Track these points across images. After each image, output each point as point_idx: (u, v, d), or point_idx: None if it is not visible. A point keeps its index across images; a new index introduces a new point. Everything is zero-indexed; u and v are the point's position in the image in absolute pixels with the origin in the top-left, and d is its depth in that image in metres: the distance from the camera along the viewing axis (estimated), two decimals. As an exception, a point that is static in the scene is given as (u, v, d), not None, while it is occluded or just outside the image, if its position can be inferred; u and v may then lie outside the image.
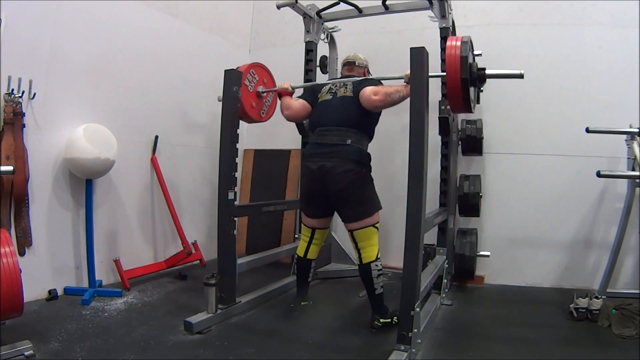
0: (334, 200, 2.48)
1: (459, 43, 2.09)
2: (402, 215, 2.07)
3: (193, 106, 3.79)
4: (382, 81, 2.54)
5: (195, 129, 3.84)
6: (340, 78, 2.76)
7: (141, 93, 3.33)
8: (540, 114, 3.41)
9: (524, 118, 3.44)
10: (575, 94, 3.33)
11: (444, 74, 2.19)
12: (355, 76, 2.68)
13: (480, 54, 3.25)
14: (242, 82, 2.71)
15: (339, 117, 2.49)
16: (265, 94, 2.97)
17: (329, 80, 2.77)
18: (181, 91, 3.67)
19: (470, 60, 2.07)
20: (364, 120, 2.49)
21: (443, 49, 2.98)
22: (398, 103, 2.37)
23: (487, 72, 2.16)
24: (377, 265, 2.40)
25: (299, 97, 2.75)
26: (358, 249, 2.43)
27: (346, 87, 2.57)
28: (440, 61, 2.98)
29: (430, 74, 2.14)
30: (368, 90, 2.42)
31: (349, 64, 2.77)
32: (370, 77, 2.61)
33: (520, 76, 2.12)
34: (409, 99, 2.11)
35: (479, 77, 2.17)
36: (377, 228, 2.46)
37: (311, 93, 2.72)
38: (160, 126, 3.46)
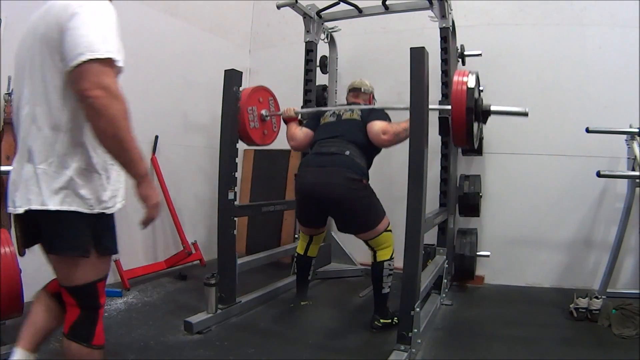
0: (333, 213, 2.47)
1: (465, 79, 2.08)
2: (402, 216, 2.07)
3: (193, 106, 3.79)
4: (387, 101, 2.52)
5: (195, 129, 3.84)
6: (345, 104, 2.74)
7: (141, 93, 3.32)
8: (540, 114, 3.40)
9: (524, 118, 3.43)
10: (575, 94, 3.33)
11: (449, 107, 2.19)
12: (361, 103, 2.68)
13: (480, 54, 3.28)
14: (245, 110, 2.72)
15: (342, 133, 2.47)
16: (268, 117, 2.95)
17: (335, 105, 2.76)
18: (181, 91, 3.67)
19: (475, 95, 2.08)
20: (366, 143, 2.45)
21: (443, 49, 2.99)
22: (404, 140, 2.29)
23: (492, 108, 2.16)
24: (389, 265, 2.41)
25: (303, 125, 2.75)
26: (373, 250, 2.45)
27: (352, 112, 2.55)
28: (440, 61, 2.99)
29: (432, 107, 2.15)
30: (377, 127, 2.41)
31: (355, 90, 2.76)
32: (377, 106, 2.57)
33: (525, 114, 2.12)
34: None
35: (483, 114, 2.17)
36: (390, 230, 2.46)
37: (314, 119, 2.72)
38: (160, 126, 3.45)
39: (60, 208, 1.22)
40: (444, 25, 2.96)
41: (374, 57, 3.88)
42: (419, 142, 2.03)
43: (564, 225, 3.35)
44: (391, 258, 2.43)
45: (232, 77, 2.57)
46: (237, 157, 2.63)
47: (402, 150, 2.19)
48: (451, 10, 3.00)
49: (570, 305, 2.67)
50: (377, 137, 2.41)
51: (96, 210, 1.28)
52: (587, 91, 3.30)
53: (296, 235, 3.50)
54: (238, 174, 2.70)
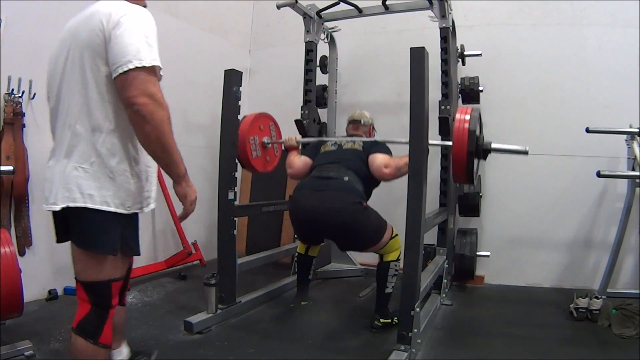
0: (336, 235, 2.45)
1: (467, 117, 2.10)
2: (402, 216, 2.07)
3: (193, 106, 3.78)
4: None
5: (196, 129, 3.84)
6: (346, 136, 2.73)
7: (141, 93, 3.32)
8: (540, 114, 3.41)
9: (524, 118, 3.45)
10: (575, 94, 3.33)
11: (450, 143, 2.20)
12: (361, 135, 2.68)
13: (480, 54, 3.28)
14: (247, 140, 2.72)
15: (343, 160, 2.45)
16: (270, 145, 2.94)
17: (336, 137, 2.76)
18: (181, 91, 3.66)
19: (477, 132, 2.11)
20: (367, 174, 2.43)
21: (443, 49, 2.99)
22: (405, 175, 2.26)
23: (493, 146, 2.18)
24: (396, 265, 2.41)
25: (302, 153, 2.73)
26: (380, 254, 2.45)
27: (354, 143, 2.55)
28: (440, 61, 2.99)
29: (433, 142, 2.18)
30: (379, 160, 2.40)
31: (355, 123, 2.75)
32: (378, 139, 2.56)
33: (525, 152, 2.13)
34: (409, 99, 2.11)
35: (484, 152, 2.20)
36: (395, 235, 2.44)
37: (314, 148, 2.71)
38: (160, 126, 3.45)
39: (99, 207, 1.28)
40: (444, 25, 2.95)
41: (374, 57, 3.88)
42: (419, 142, 2.03)
43: (564, 225, 3.35)
44: (398, 259, 2.43)
45: (232, 77, 2.57)
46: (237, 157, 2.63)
47: (402, 150, 2.19)
48: (451, 10, 3.00)
49: (570, 305, 2.67)
50: (378, 170, 2.39)
51: (132, 211, 1.35)
52: (587, 91, 3.30)
53: (296, 235, 3.51)
54: (238, 174, 2.69)
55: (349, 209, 2.28)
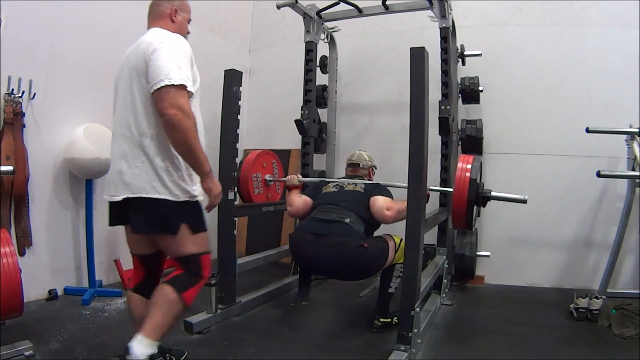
0: (341, 277, 2.54)
1: (469, 166, 2.16)
2: (402, 215, 2.07)
3: (193, 106, 3.78)
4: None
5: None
6: (346, 178, 2.72)
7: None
8: (540, 114, 3.41)
9: (524, 118, 3.45)
10: (575, 94, 3.33)
11: (451, 190, 2.26)
12: (361, 177, 2.69)
13: (480, 54, 3.28)
14: (249, 178, 2.80)
15: (344, 202, 2.44)
16: (272, 182, 2.99)
17: (337, 178, 2.77)
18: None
19: (477, 180, 2.14)
20: (368, 217, 2.41)
21: (443, 49, 2.99)
22: (405, 219, 2.24)
23: (493, 194, 2.25)
24: (401, 267, 2.38)
25: (303, 192, 2.73)
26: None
27: (356, 185, 2.55)
28: (440, 61, 2.99)
29: (433, 188, 2.30)
30: (381, 202, 2.38)
31: (353, 166, 2.76)
32: (380, 182, 2.56)
33: (524, 201, 2.19)
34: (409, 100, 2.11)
35: (483, 199, 2.24)
36: (399, 246, 2.39)
37: (315, 188, 2.70)
38: (160, 126, 3.45)
39: (152, 196, 1.57)
40: (444, 25, 2.96)
41: (374, 57, 3.88)
42: (419, 142, 2.03)
43: (564, 225, 3.35)
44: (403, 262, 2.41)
45: (232, 77, 2.57)
46: (237, 157, 2.63)
47: (402, 150, 2.19)
48: (451, 10, 3.00)
49: (570, 305, 2.67)
50: (380, 212, 2.37)
51: (182, 199, 1.62)
52: (587, 91, 3.30)
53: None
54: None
55: (351, 253, 2.26)
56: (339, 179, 2.72)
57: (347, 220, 2.33)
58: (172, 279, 1.62)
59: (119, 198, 1.60)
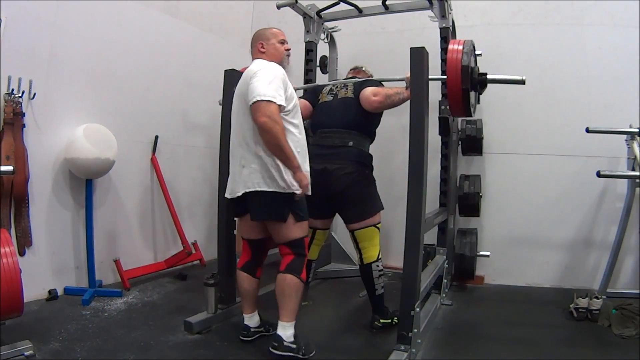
0: (336, 201, 2.48)
1: (460, 47, 2.07)
2: (402, 215, 2.07)
3: (193, 106, 3.78)
4: (384, 82, 2.54)
5: (195, 129, 3.84)
6: (343, 79, 2.75)
7: (141, 93, 3.33)
8: (540, 114, 3.41)
9: (524, 118, 3.45)
10: (575, 94, 3.33)
11: (445, 77, 2.18)
12: (356, 76, 2.68)
13: (480, 54, 3.27)
14: None
15: (340, 119, 2.48)
16: None
17: (331, 80, 2.77)
18: (181, 91, 3.67)
19: (471, 64, 2.05)
20: (365, 121, 2.48)
21: (443, 49, 2.98)
22: (398, 105, 2.38)
23: (489, 77, 2.16)
24: (377, 266, 2.40)
25: (300, 97, 2.74)
26: (359, 249, 2.43)
27: (347, 89, 2.56)
28: (440, 61, 2.99)
29: (430, 76, 2.14)
30: (368, 91, 2.42)
31: (355, 69, 2.81)
32: (367, 79, 2.59)
33: (522, 82, 2.15)
34: (409, 100, 2.12)
35: (480, 82, 2.16)
36: (378, 228, 2.45)
37: (312, 93, 2.73)
38: (160, 126, 3.45)
39: (266, 189, 1.97)
40: (444, 25, 2.95)
41: (374, 57, 3.87)
42: (419, 142, 2.03)
43: (564, 225, 3.35)
44: (378, 259, 2.41)
45: (232, 77, 2.56)
46: (237, 157, 2.63)
47: (402, 150, 2.19)
48: (451, 10, 3.00)
49: (570, 305, 2.67)
50: (368, 101, 2.39)
51: (289, 191, 1.97)
52: (587, 91, 3.30)
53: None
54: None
55: (353, 176, 2.38)
56: (334, 80, 2.69)
57: (350, 143, 2.42)
58: (288, 268, 2.04)
59: (239, 193, 2.02)
